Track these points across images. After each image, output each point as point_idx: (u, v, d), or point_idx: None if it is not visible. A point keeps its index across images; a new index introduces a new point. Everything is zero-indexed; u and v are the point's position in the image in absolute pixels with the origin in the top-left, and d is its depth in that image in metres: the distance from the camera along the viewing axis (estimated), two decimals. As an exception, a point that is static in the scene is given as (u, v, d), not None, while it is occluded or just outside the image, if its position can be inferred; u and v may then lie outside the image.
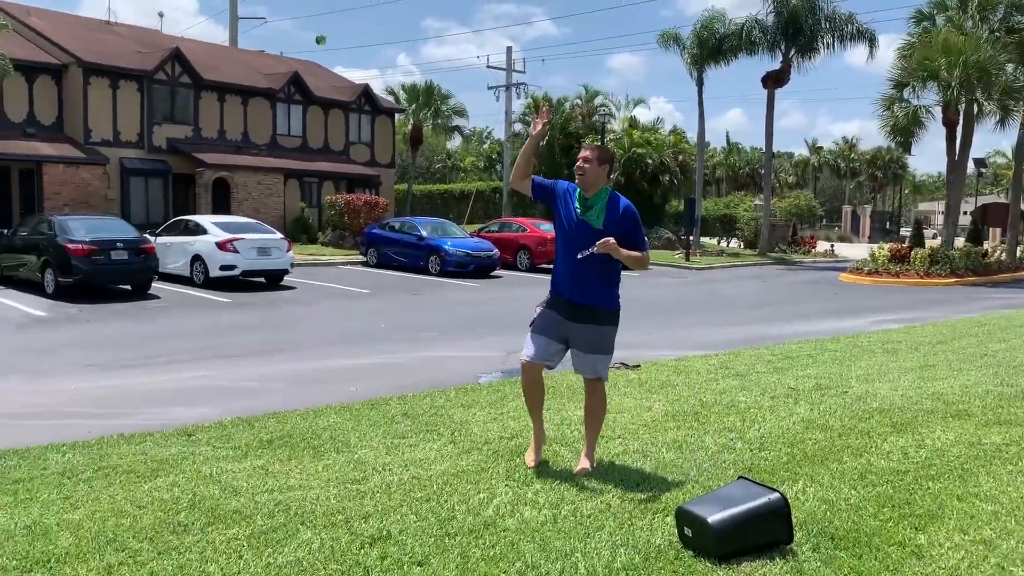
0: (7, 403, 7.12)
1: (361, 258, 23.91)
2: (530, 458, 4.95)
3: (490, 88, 38.86)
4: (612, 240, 4.46)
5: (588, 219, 4.60)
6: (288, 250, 17.84)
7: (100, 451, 5.25)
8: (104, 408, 6.89)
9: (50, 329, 11.75)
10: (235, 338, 11.20)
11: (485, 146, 72.44)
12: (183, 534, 3.88)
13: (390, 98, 39.40)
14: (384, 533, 3.88)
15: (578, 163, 4.66)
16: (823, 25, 29.88)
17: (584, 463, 4.87)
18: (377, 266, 22.67)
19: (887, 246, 25.21)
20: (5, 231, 18.28)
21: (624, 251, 4.54)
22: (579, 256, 4.57)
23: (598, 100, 43.55)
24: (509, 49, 41.79)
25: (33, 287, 15.34)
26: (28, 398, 7.35)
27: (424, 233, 21.96)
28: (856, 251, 35.34)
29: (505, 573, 3.47)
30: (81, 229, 15.05)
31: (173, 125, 29.12)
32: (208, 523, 4.01)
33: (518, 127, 44.44)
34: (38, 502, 4.30)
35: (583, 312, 4.67)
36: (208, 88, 29.99)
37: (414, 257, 21.71)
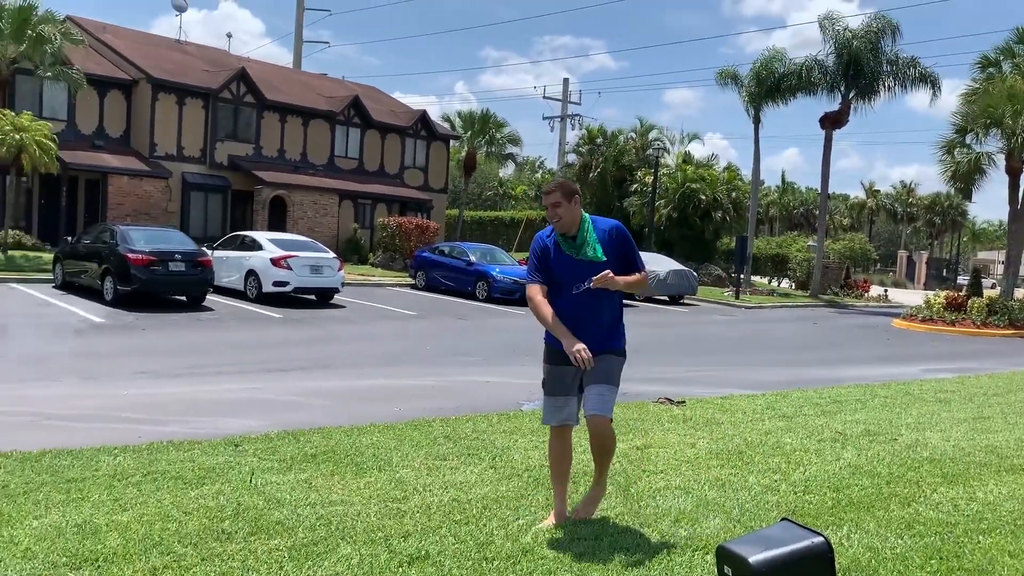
0: (63, 405, 7.33)
1: (410, 280, 24.15)
2: (550, 520, 4.44)
3: (545, 118, 39.36)
4: (610, 273, 4.16)
5: (585, 256, 4.28)
6: (340, 269, 18.12)
7: (150, 456, 5.38)
8: (155, 415, 7.05)
9: (107, 335, 12.07)
10: (284, 353, 11.38)
11: (537, 175, 72.85)
12: (227, 542, 3.95)
13: (446, 125, 39.93)
14: (423, 553, 3.90)
15: (549, 212, 4.32)
16: (885, 68, 29.56)
17: (582, 507, 4.55)
18: (425, 289, 22.86)
19: (943, 293, 24.63)
20: (69, 238, 18.87)
21: (622, 279, 4.24)
22: (573, 292, 4.30)
23: (653, 134, 43.57)
24: (566, 81, 42.23)
25: (93, 293, 15.78)
26: (83, 401, 7.56)
27: (473, 259, 22.12)
28: (910, 297, 34.62)
29: (541, 601, 3.46)
30: (141, 239, 15.47)
31: (235, 143, 29.88)
32: (251, 532, 4.08)
33: (571, 157, 44.69)
34: (89, 502, 4.42)
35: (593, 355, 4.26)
36: (271, 108, 30.76)
37: (462, 282, 21.86)
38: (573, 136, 43.83)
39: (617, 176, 40.88)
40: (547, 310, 4.32)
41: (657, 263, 25.20)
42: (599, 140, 43.06)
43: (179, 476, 4.95)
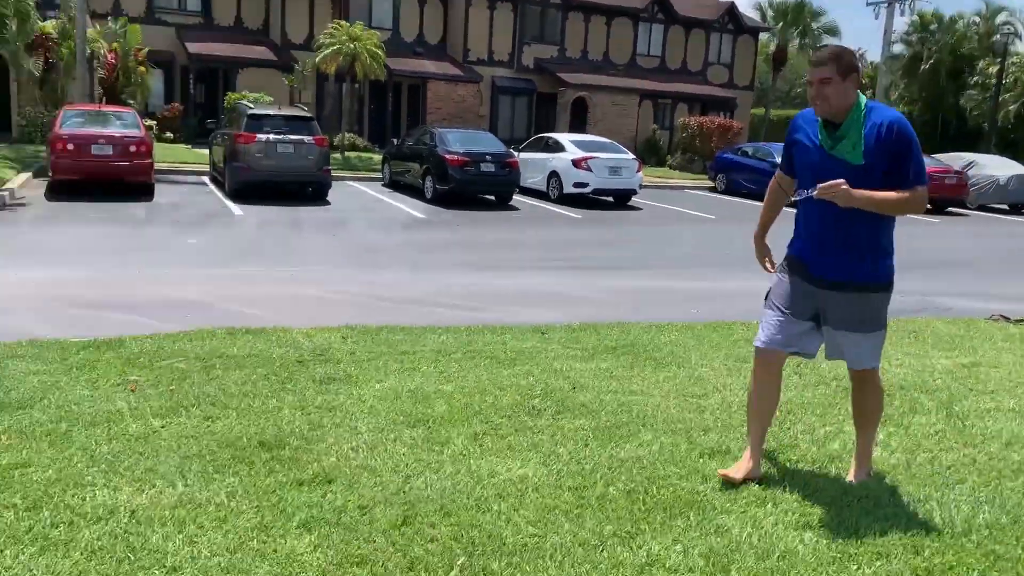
0: (395, 289, 8.21)
1: (709, 183, 23.57)
2: (733, 471, 3.54)
3: (869, 4, 35.47)
4: (843, 183, 3.15)
5: (840, 153, 3.30)
6: (638, 171, 18.11)
7: (468, 337, 5.87)
8: (470, 302, 7.66)
9: (428, 230, 13.20)
10: (584, 252, 11.74)
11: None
12: (536, 417, 4.24)
13: (756, 15, 37.63)
14: (723, 448, 3.92)
15: (812, 91, 3.31)
16: None
17: (856, 471, 3.64)
18: (725, 192, 22.19)
19: None
20: (395, 140, 20.67)
21: (863, 194, 3.17)
22: (793, 199, 3.53)
23: (1000, 17, 37.85)
24: (895, -40, 37.59)
25: (415, 191, 17.25)
26: (410, 287, 8.41)
27: (779, 160, 21.01)
28: None
29: (848, 507, 3.34)
30: (457, 142, 16.53)
31: (541, 45, 30.58)
32: (558, 411, 4.34)
33: (898, 48, 40.29)
34: (419, 372, 4.95)
35: (836, 284, 3.41)
36: (575, 8, 30.94)
37: (766, 185, 20.89)
38: (901, 23, 39.46)
39: (953, 68, 36.34)
40: (762, 214, 3.89)
41: (998, 166, 22.19)
42: (933, 27, 38.33)
43: (493, 356, 5.36)
